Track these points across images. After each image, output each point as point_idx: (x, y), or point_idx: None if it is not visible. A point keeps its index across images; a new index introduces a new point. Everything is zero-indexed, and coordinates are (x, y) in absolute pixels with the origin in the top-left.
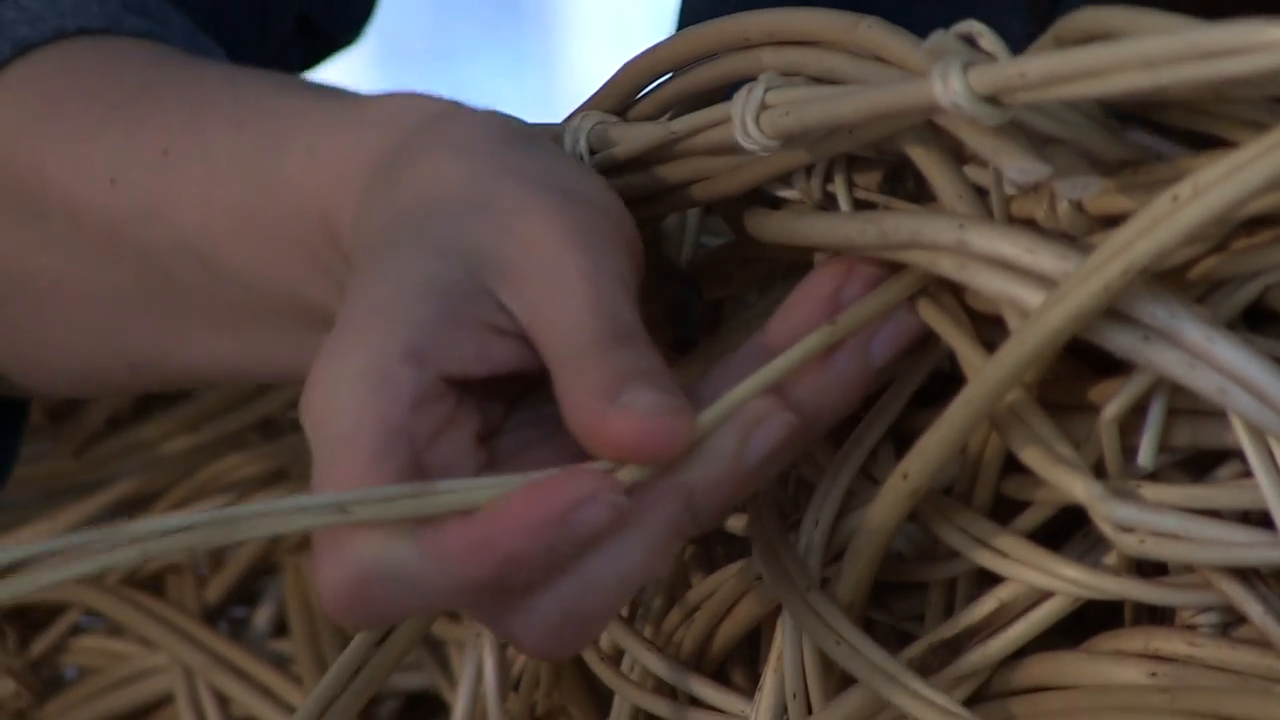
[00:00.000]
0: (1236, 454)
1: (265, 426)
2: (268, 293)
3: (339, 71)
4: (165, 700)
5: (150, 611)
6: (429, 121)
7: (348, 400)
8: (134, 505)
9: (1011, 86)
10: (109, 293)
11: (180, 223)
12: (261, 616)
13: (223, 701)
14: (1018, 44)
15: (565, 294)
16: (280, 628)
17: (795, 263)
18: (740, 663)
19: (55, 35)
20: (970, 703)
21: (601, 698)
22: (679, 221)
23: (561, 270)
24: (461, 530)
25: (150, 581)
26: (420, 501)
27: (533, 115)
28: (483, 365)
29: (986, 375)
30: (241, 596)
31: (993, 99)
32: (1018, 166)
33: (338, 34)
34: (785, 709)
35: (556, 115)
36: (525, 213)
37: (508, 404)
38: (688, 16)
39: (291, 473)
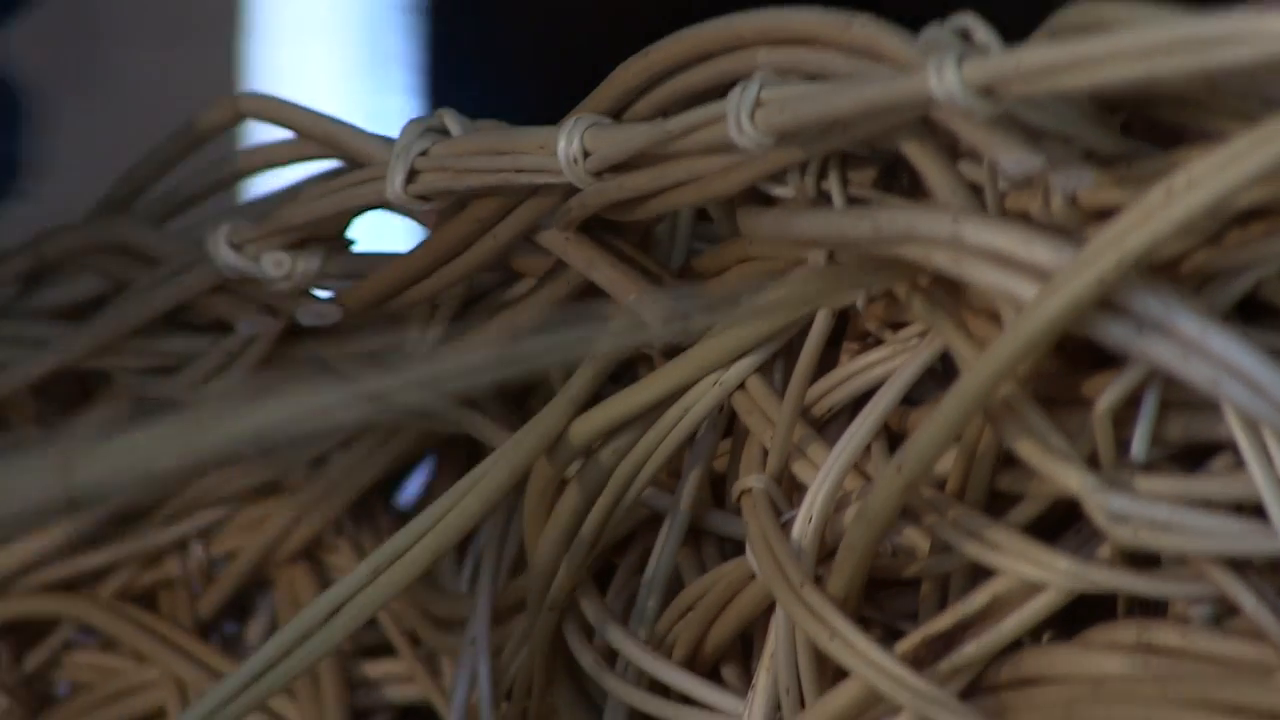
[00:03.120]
0: (1229, 446)
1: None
2: None
3: (321, 76)
4: (157, 715)
5: (143, 625)
6: None
7: None
8: (127, 519)
9: (1006, 78)
10: None
11: None
12: (254, 630)
13: None
14: None
15: None
16: None
17: (790, 262)
18: (733, 662)
19: None
20: (963, 696)
21: (594, 703)
22: (670, 229)
23: None
24: None
25: (143, 596)
26: None
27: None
28: None
29: (981, 367)
30: (234, 611)
31: (987, 91)
32: (1012, 158)
33: None
34: (779, 705)
35: None
36: None
37: None
38: None
39: (286, 485)
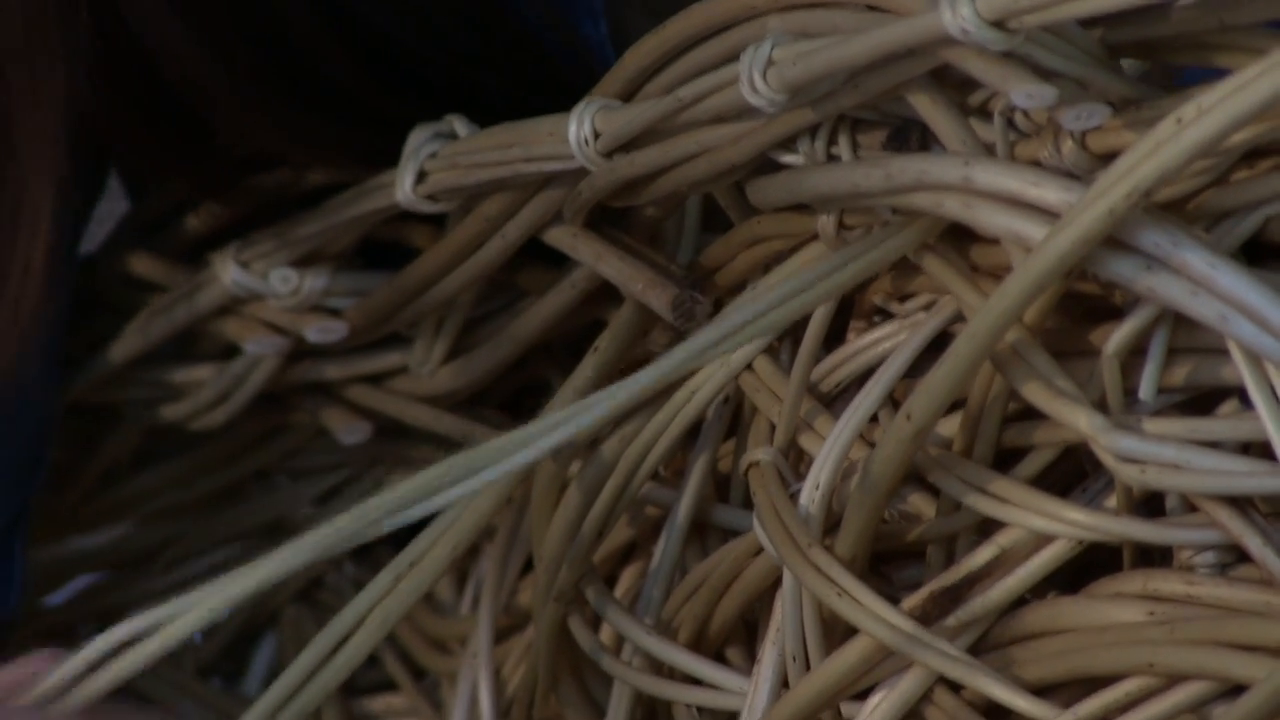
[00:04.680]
0: (1234, 392)
1: (260, 478)
2: None
3: None
4: None
5: (148, 670)
6: None
7: None
8: (133, 561)
9: (1018, 8)
10: None
11: None
12: (256, 670)
13: None
14: None
15: None
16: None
17: (798, 241)
18: (738, 646)
19: None
20: (970, 653)
21: (597, 704)
22: (677, 225)
23: None
24: None
25: None
26: None
27: None
28: None
29: (992, 306)
30: (236, 652)
31: (1000, 24)
32: (1025, 91)
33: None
34: (785, 679)
35: None
36: None
37: None
38: None
39: (287, 524)
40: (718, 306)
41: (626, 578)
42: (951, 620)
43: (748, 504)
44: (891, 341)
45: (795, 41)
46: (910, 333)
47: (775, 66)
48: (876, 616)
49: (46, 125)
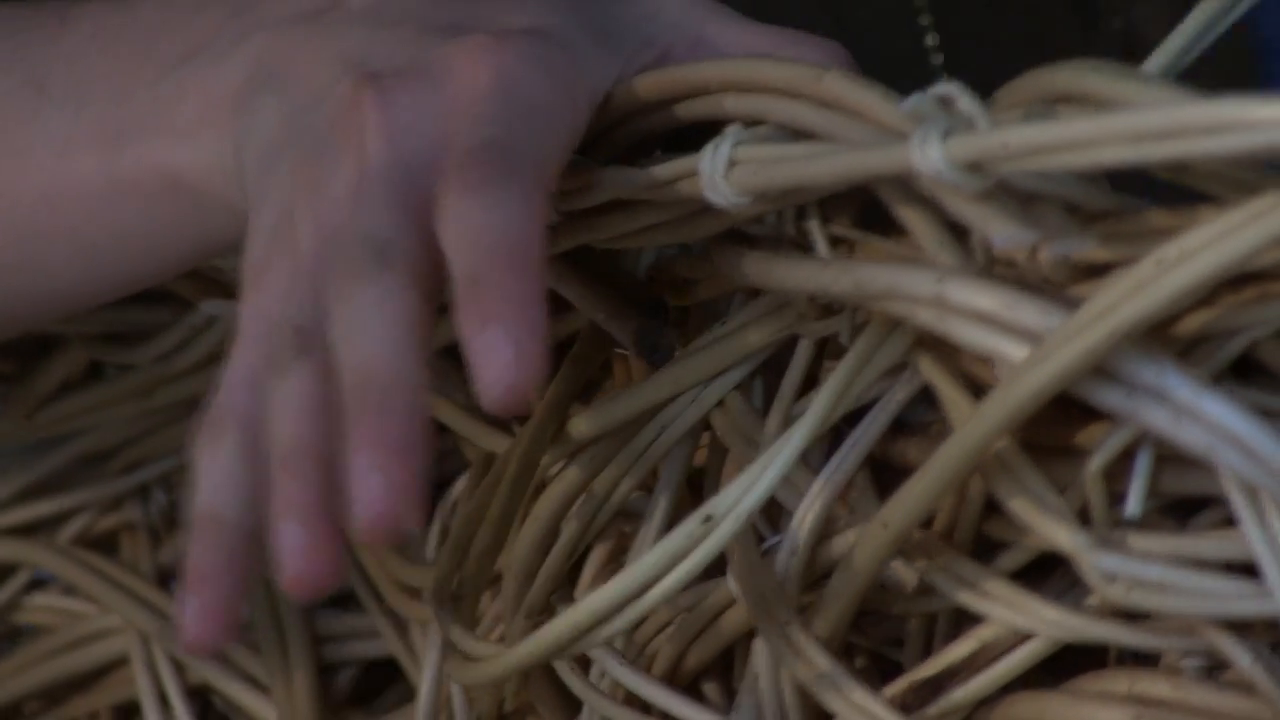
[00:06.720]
0: (1223, 500)
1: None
2: None
3: None
4: (121, 661)
5: (101, 572)
6: None
7: None
8: (87, 463)
9: (993, 156)
10: None
11: None
12: None
13: (179, 666)
14: None
15: None
16: None
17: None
18: (714, 677)
19: None
20: None
21: (570, 700)
22: None
23: None
24: None
25: (103, 542)
26: None
27: None
28: None
29: (970, 431)
30: None
31: (973, 167)
32: (1003, 235)
33: None
34: None
35: None
36: None
37: None
38: None
39: None
40: (682, 315)
41: (597, 556)
42: (932, 710)
43: None
44: (869, 390)
45: (756, 141)
46: (888, 383)
47: (737, 168)
48: (856, 706)
49: None
